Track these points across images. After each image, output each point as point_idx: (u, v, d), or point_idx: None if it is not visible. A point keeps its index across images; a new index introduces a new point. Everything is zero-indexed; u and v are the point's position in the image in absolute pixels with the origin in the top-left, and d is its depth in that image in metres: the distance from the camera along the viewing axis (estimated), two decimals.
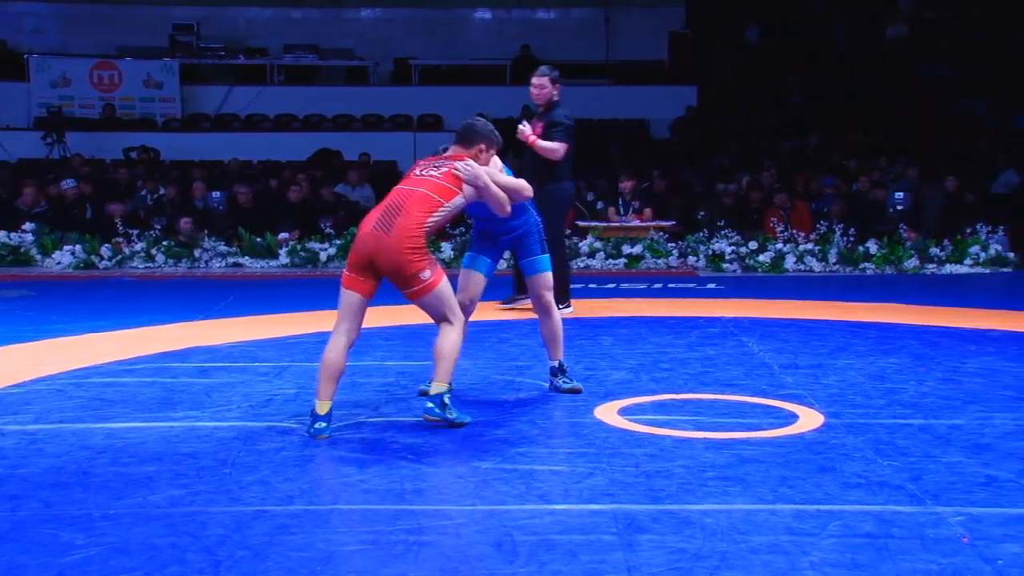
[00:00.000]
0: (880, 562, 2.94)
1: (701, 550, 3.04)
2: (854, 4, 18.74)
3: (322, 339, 6.81)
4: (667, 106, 17.19)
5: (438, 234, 11.90)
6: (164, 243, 11.53)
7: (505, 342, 6.66)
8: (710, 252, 11.39)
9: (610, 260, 11.48)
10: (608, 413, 4.73)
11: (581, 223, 12.19)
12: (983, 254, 11.30)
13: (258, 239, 11.72)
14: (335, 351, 4.43)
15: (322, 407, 4.37)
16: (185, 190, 13.07)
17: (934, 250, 11.28)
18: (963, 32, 18.13)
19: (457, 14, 19.84)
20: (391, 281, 4.48)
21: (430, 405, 4.47)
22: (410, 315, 7.65)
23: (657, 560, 2.97)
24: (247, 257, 11.66)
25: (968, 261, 11.24)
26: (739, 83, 18.08)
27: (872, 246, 11.27)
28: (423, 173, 4.66)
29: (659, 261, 11.44)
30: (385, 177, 15.58)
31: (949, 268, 11.16)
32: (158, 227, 11.83)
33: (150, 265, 11.37)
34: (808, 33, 19.02)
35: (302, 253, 11.55)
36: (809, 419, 4.59)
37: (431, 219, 4.50)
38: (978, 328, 7.09)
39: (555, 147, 7.55)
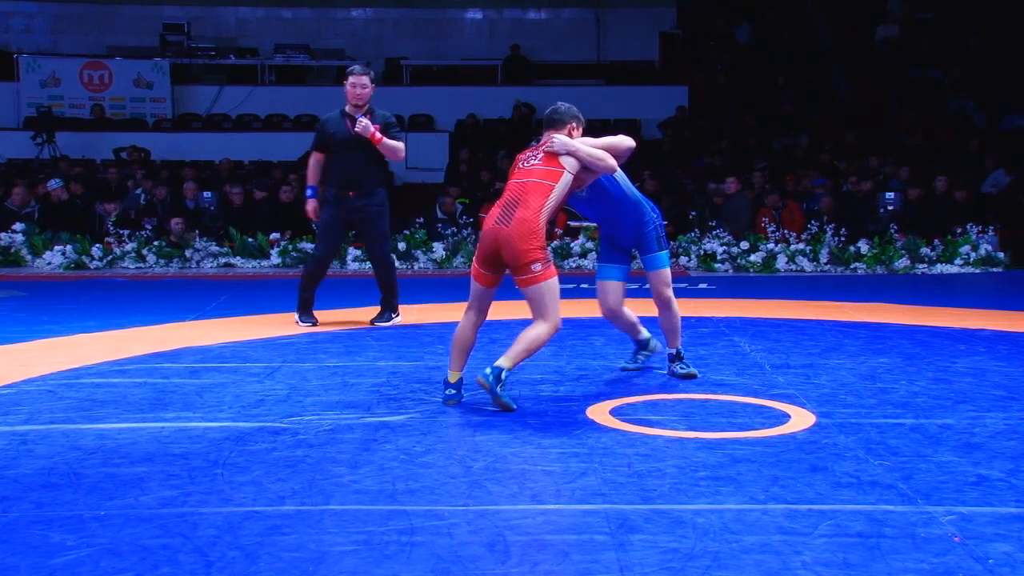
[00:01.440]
0: (871, 561, 2.94)
1: (693, 550, 3.04)
2: (844, 5, 18.79)
3: (314, 339, 6.83)
4: (658, 106, 17.23)
5: (432, 235, 11.91)
6: (155, 243, 11.51)
7: (496, 342, 6.65)
8: (701, 252, 11.41)
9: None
10: (600, 413, 4.73)
11: (573, 223, 12.20)
12: (973, 254, 11.33)
13: (249, 239, 11.71)
14: (464, 328, 4.95)
15: (453, 376, 4.92)
16: (176, 190, 13.06)
17: (925, 250, 11.31)
18: (953, 34, 18.19)
19: (448, 14, 19.85)
20: (510, 268, 4.82)
21: (488, 371, 4.72)
22: (402, 316, 7.65)
23: (649, 560, 2.97)
24: (239, 257, 11.64)
25: (959, 261, 11.28)
26: (730, 83, 18.12)
27: (863, 246, 11.30)
28: (526, 164, 4.97)
29: None
30: None
31: (940, 268, 11.20)
32: (149, 227, 11.81)
33: (141, 266, 11.34)
34: (799, 33, 19.06)
35: (294, 253, 11.54)
36: (801, 419, 4.59)
37: (548, 204, 4.81)
38: (968, 328, 7.12)
39: (402, 146, 7.20)
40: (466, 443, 4.24)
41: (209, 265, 11.50)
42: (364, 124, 7.00)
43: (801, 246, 11.36)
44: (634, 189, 5.50)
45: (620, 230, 5.47)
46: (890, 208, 12.38)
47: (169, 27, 18.17)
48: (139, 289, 9.85)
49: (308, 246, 11.64)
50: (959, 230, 11.59)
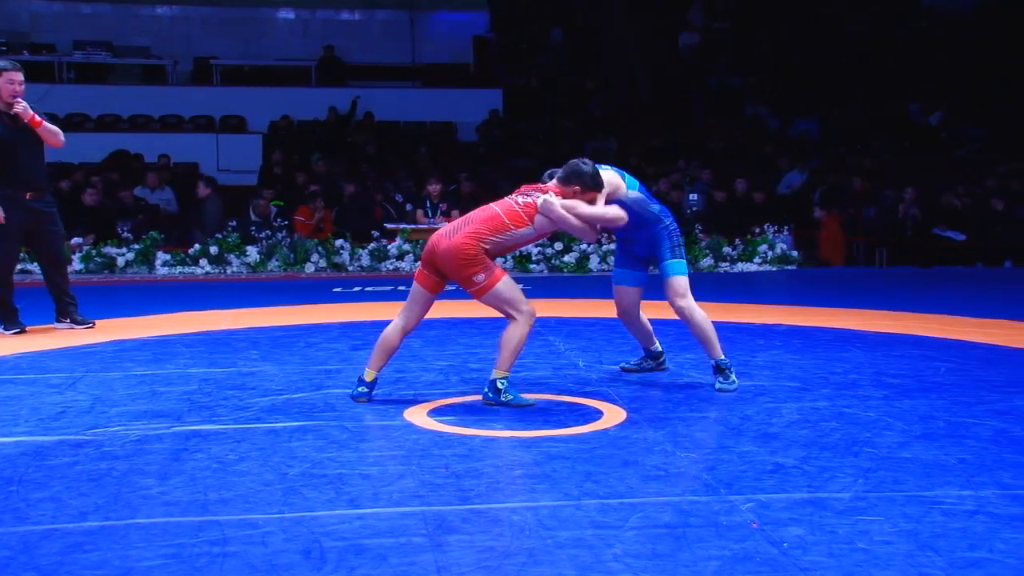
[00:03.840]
0: (678, 551, 3.06)
1: (509, 547, 3.09)
2: (650, 11, 19.45)
3: (120, 348, 6.57)
4: (473, 109, 17.39)
5: (245, 238, 11.63)
6: None
7: (313, 346, 6.58)
8: (517, 253, 11.58)
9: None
10: (418, 415, 4.74)
11: (389, 225, 12.17)
12: (771, 253, 11.93)
13: None
14: (392, 330, 4.97)
15: (369, 375, 4.97)
16: None
17: (727, 249, 11.83)
18: (748, 43, 19.13)
19: (259, 13, 19.44)
20: (454, 281, 4.90)
21: (486, 390, 4.89)
22: (214, 321, 7.45)
23: (466, 559, 3.00)
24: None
25: (757, 260, 11.85)
26: (543, 86, 18.47)
27: None
28: (513, 198, 4.96)
29: None
30: (187, 179, 15.13)
31: (740, 266, 11.73)
32: None
33: None
34: (608, 38, 19.60)
35: (98, 259, 11.05)
36: (613, 415, 4.73)
37: (493, 238, 4.81)
38: (766, 323, 7.49)
39: (59, 130, 7.09)
40: (281, 449, 4.16)
41: None
42: (23, 105, 6.83)
43: (613, 247, 11.68)
44: (651, 205, 5.30)
45: (634, 240, 5.41)
46: (694, 209, 12.89)
47: None
48: None
49: (113, 251, 11.19)
50: (757, 230, 12.18)
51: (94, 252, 11.08)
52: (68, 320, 7.27)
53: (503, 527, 3.26)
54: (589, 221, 4.92)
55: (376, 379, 5.01)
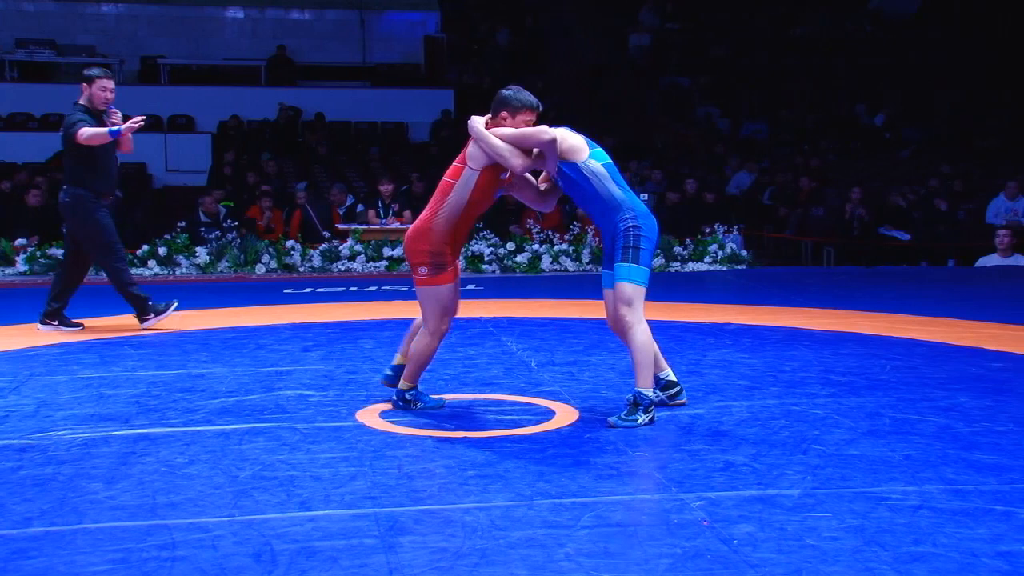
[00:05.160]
0: (630, 549, 3.08)
1: (462, 548, 3.09)
2: (601, 12, 19.55)
3: (66, 350, 6.47)
4: (425, 109, 17.36)
5: (194, 239, 11.49)
6: None
7: (264, 348, 6.53)
8: (469, 253, 11.57)
9: (371, 263, 11.46)
10: (370, 416, 4.72)
11: (341, 226, 12.11)
12: (721, 252, 12.04)
13: None
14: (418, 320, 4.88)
15: (397, 359, 5.01)
16: None
17: (678, 249, 11.91)
18: (699, 44, 19.30)
19: (207, 12, 19.24)
20: None
21: (394, 397, 4.88)
22: (163, 323, 7.36)
23: (419, 561, 2.99)
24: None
25: (708, 259, 11.95)
26: (495, 87, 18.49)
27: None
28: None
29: None
30: (134, 179, 14.94)
31: (691, 266, 11.83)
32: None
33: None
34: (559, 38, 19.67)
35: (42, 260, 10.87)
36: (565, 415, 4.74)
37: (446, 204, 4.56)
38: (717, 322, 7.56)
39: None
40: (232, 452, 4.13)
41: None
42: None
43: (564, 247, 11.72)
44: (613, 188, 4.60)
45: (601, 230, 4.74)
46: None
47: None
48: None
49: (59, 252, 11.01)
50: (708, 230, 12.29)
51: (39, 253, 10.89)
52: (152, 315, 7.30)
53: (456, 528, 3.26)
54: (511, 141, 4.51)
55: (403, 365, 4.94)
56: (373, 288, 9.96)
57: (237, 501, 3.52)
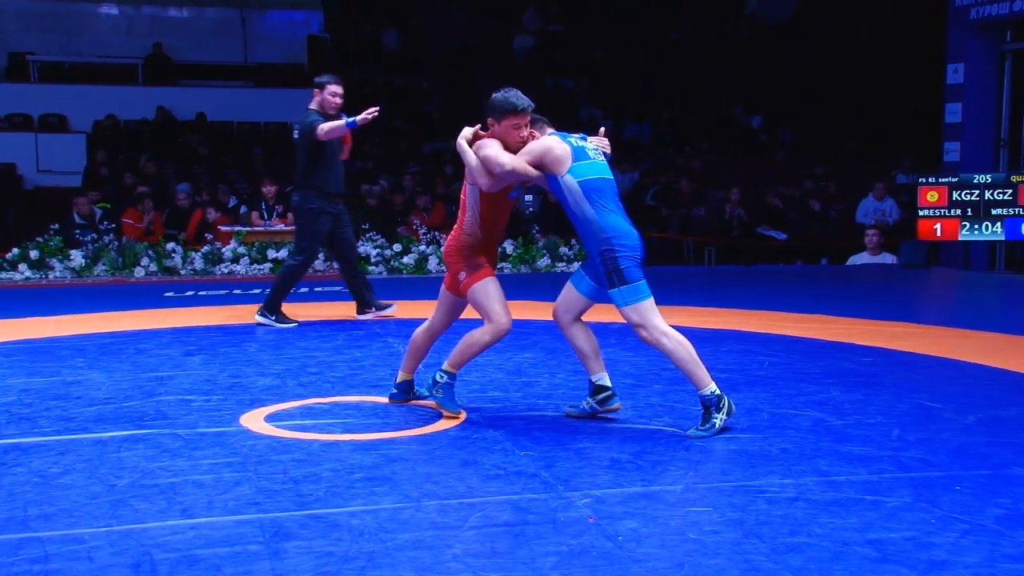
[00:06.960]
0: (517, 548, 3.11)
1: (348, 552, 3.07)
2: (487, 13, 19.60)
3: None
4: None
5: (69, 242, 11.12)
6: None
7: (144, 353, 6.36)
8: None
9: (255, 265, 11.27)
10: (255, 420, 4.65)
11: (224, 228, 11.88)
12: None
13: None
14: (419, 331, 5.01)
15: (400, 376, 5.05)
16: None
17: (564, 249, 12.04)
18: (581, 46, 19.53)
19: (80, 8, 18.64)
20: None
21: (432, 379, 4.83)
22: (36, 329, 7.11)
23: (304, 566, 2.96)
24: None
25: None
26: (379, 88, 18.38)
27: (508, 246, 11.84)
28: None
29: None
30: (3, 180, 14.38)
31: (577, 266, 11.97)
32: None
33: None
34: (443, 39, 19.66)
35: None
36: (452, 416, 4.75)
37: (468, 217, 4.68)
38: (602, 321, 7.64)
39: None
40: (109, 460, 4.01)
41: None
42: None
43: None
44: (587, 207, 4.43)
45: (588, 247, 4.57)
46: (531, 210, 13.08)
47: None
48: None
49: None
50: None
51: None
52: (372, 309, 7.76)
53: (342, 531, 3.24)
54: (484, 162, 4.44)
55: (410, 380, 5.03)
56: (257, 291, 9.79)
57: (115, 510, 3.43)
